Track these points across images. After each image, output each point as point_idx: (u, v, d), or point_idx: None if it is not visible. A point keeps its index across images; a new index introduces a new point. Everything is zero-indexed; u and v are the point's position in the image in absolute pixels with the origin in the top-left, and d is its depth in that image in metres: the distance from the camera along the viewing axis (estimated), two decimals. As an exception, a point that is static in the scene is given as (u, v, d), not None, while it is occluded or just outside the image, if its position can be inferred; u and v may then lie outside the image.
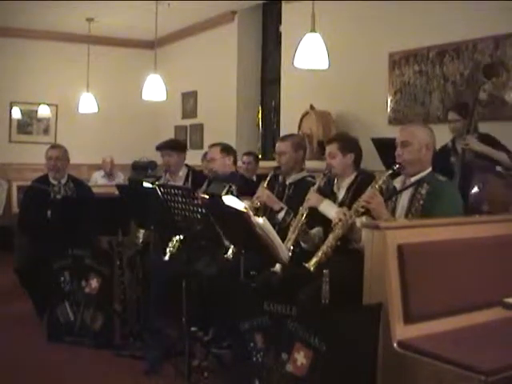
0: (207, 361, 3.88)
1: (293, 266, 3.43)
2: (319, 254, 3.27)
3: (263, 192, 4.15)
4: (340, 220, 3.32)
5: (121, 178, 8.98)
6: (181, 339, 3.87)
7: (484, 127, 4.53)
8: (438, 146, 3.66)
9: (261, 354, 2.95)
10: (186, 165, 5.32)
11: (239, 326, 3.07)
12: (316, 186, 3.85)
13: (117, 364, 4.10)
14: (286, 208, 4.05)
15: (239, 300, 3.23)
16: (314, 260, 3.25)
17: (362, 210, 3.27)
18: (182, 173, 5.22)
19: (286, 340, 2.82)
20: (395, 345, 2.79)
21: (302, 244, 3.84)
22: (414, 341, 2.79)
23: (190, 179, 5.17)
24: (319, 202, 3.75)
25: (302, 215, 3.74)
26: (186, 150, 5.46)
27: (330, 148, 3.91)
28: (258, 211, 4.07)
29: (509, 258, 3.33)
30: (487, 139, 4.35)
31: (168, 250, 4.38)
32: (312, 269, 3.23)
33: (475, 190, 4.15)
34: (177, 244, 4.35)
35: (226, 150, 4.94)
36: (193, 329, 3.88)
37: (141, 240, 4.77)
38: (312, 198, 3.77)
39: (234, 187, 4.53)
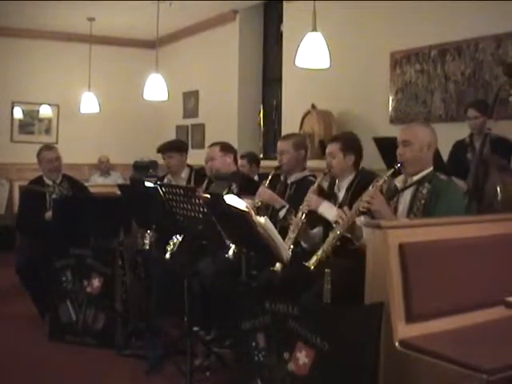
0: (209, 360, 3.89)
1: (293, 266, 3.43)
2: (319, 252, 3.26)
3: (264, 191, 4.14)
4: (341, 219, 3.32)
5: (117, 177, 9.03)
6: (183, 338, 3.87)
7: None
8: (440, 146, 3.65)
9: (262, 353, 2.95)
10: (188, 165, 5.31)
11: (241, 325, 3.07)
12: (315, 186, 3.83)
13: (118, 363, 4.10)
14: (287, 206, 4.04)
15: (241, 299, 3.23)
16: (313, 259, 3.24)
17: (364, 209, 3.26)
18: (185, 174, 5.20)
19: (288, 339, 2.82)
20: (397, 344, 2.79)
21: (303, 243, 3.84)
22: (416, 340, 2.79)
23: (192, 180, 5.14)
24: (318, 204, 3.74)
25: (302, 215, 3.74)
26: (187, 150, 5.43)
27: (331, 147, 3.89)
28: (259, 210, 4.07)
29: (511, 256, 3.32)
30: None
31: (169, 248, 4.37)
32: (312, 268, 3.22)
33: (496, 190, 4.13)
34: (177, 243, 4.34)
35: (225, 148, 4.90)
36: (195, 328, 3.88)
37: (148, 242, 4.73)
38: (311, 200, 3.75)
39: (234, 186, 4.52)
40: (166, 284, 4.39)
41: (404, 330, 2.84)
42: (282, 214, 4.03)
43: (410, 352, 2.75)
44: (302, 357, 2.76)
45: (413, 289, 2.89)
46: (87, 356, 4.25)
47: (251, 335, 3.00)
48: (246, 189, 4.39)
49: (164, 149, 5.26)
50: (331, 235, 3.31)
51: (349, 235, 3.36)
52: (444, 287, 2.99)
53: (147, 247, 4.68)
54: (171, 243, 4.39)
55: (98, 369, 4.02)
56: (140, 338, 4.39)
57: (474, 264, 3.16)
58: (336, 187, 3.93)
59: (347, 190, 3.84)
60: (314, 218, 3.79)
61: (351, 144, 3.91)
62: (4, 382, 3.84)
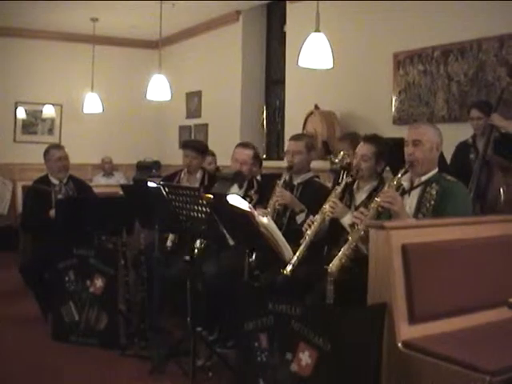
0: (212, 361, 3.88)
1: (303, 267, 3.41)
2: (341, 255, 3.18)
3: (285, 193, 4.07)
4: (360, 220, 3.24)
5: (120, 177, 9.04)
6: (186, 339, 3.87)
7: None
8: (442, 146, 3.64)
9: (265, 353, 2.95)
10: (201, 166, 5.28)
11: (244, 325, 3.07)
12: (338, 192, 3.69)
13: (121, 364, 4.10)
14: (306, 210, 3.98)
15: (244, 300, 3.22)
16: (336, 263, 3.16)
17: (381, 210, 3.22)
18: (199, 175, 5.17)
19: (291, 340, 2.82)
20: (400, 345, 2.79)
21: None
22: (419, 341, 2.78)
23: (205, 181, 5.11)
24: (343, 214, 3.63)
25: (324, 220, 3.63)
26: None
27: (366, 149, 3.78)
28: (279, 212, 4.04)
29: (514, 257, 3.32)
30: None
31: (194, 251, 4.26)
32: (335, 271, 3.14)
33: (499, 191, 4.12)
34: (202, 247, 4.18)
35: (257, 156, 4.85)
36: (198, 329, 3.87)
37: (170, 243, 4.69)
38: (336, 208, 3.62)
39: (253, 192, 4.50)
40: (167, 284, 4.38)
41: (407, 331, 2.83)
42: (300, 218, 3.97)
43: (412, 353, 2.74)
44: (305, 357, 2.76)
45: (416, 289, 2.89)
46: (90, 356, 4.25)
47: (254, 336, 3.00)
48: (263, 191, 4.39)
49: (192, 147, 5.16)
50: (351, 238, 3.24)
51: (359, 244, 3.28)
52: (447, 288, 2.99)
53: (169, 246, 4.66)
54: (196, 246, 4.24)
55: (100, 369, 4.02)
56: (143, 338, 4.39)
57: (477, 265, 3.16)
58: (355, 187, 3.85)
59: (369, 195, 3.73)
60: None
61: (386, 151, 3.81)
62: (7, 382, 3.85)
